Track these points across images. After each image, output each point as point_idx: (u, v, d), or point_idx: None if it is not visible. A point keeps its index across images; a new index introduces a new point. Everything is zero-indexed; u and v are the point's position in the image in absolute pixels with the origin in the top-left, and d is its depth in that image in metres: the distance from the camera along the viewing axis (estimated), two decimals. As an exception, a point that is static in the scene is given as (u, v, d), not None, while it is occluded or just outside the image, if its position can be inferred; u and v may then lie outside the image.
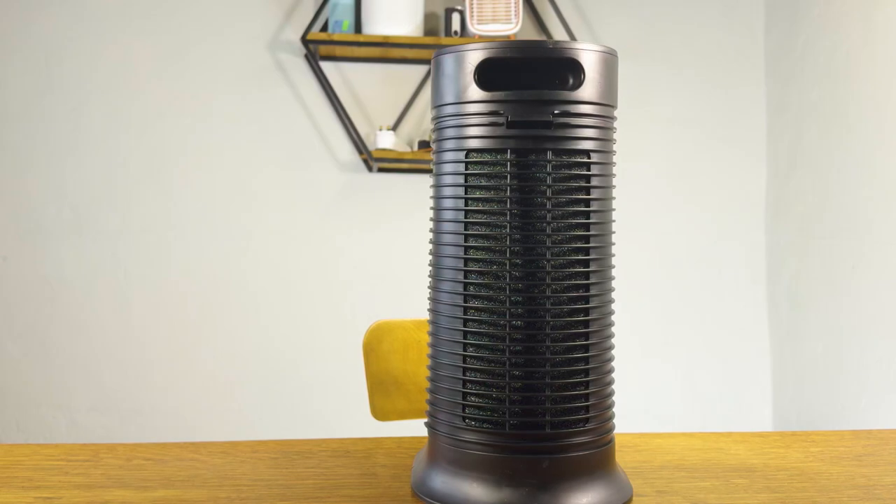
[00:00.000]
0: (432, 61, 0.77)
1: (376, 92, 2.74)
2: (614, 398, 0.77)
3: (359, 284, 2.71)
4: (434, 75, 0.76)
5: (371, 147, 2.67)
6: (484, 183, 0.72)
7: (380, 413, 1.28)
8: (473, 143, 0.72)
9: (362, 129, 2.72)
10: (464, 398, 0.73)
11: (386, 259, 2.71)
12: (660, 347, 2.83)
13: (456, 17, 2.63)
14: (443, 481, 0.73)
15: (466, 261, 0.73)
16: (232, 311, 2.68)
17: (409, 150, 2.68)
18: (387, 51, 2.66)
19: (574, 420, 0.72)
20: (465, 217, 0.72)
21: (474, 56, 0.71)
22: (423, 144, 2.64)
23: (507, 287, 0.71)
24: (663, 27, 2.84)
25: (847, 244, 2.42)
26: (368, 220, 2.72)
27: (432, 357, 0.77)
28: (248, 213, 2.68)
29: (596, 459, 0.73)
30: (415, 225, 2.68)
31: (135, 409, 2.64)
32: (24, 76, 2.63)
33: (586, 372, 0.73)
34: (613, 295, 0.77)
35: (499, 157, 0.71)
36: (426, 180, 2.73)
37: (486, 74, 0.72)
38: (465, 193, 0.73)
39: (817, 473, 0.83)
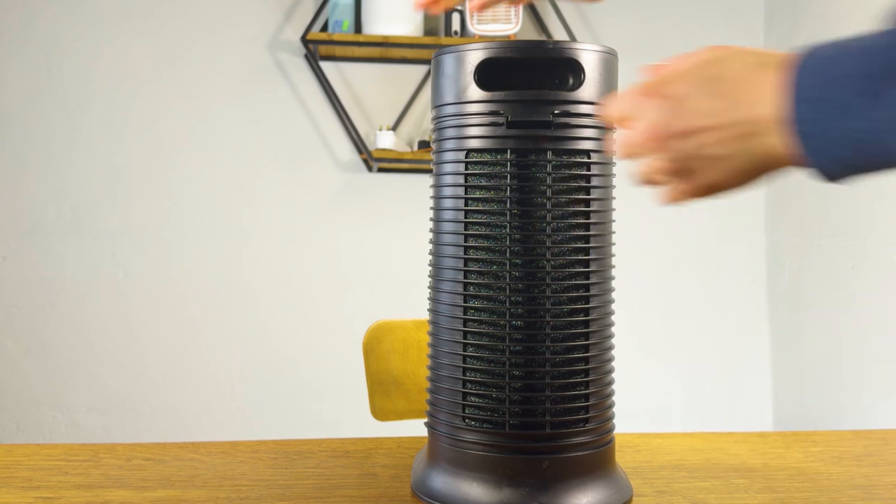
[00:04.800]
0: (432, 61, 0.77)
1: (376, 92, 2.74)
2: (614, 398, 0.77)
3: (359, 284, 2.71)
4: (434, 75, 0.76)
5: (371, 147, 2.67)
6: (484, 183, 0.72)
7: (380, 413, 1.28)
8: (473, 143, 0.72)
9: (362, 129, 2.72)
10: (464, 398, 0.73)
11: (386, 259, 2.71)
12: (660, 347, 2.83)
13: (456, 17, 2.63)
14: (443, 481, 0.73)
15: (466, 261, 0.73)
16: (232, 311, 2.67)
17: (409, 150, 2.68)
18: (387, 51, 2.66)
19: (574, 420, 0.72)
20: (465, 217, 0.72)
21: (474, 56, 0.71)
22: (423, 144, 2.64)
23: (507, 287, 0.71)
24: (663, 27, 2.84)
25: (847, 244, 2.42)
26: (368, 220, 2.71)
27: (432, 357, 0.77)
28: (247, 213, 2.68)
29: (596, 459, 0.73)
30: (415, 225, 2.68)
31: (134, 408, 2.64)
32: (24, 76, 2.63)
33: (586, 372, 0.73)
34: (613, 295, 0.77)
35: (499, 157, 0.71)
36: (426, 180, 2.72)
37: (486, 74, 0.72)
38: (465, 193, 0.73)
39: (818, 473, 0.83)
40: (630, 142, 0.55)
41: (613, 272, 0.77)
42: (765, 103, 0.48)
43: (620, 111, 0.57)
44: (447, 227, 0.74)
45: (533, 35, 2.75)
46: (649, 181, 0.57)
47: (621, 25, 2.82)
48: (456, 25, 2.63)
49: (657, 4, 2.84)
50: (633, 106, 0.56)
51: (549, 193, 0.71)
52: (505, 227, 0.71)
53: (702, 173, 0.53)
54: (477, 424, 0.72)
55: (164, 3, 2.67)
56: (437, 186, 0.76)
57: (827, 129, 0.45)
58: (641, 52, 2.82)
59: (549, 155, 0.71)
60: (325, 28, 2.65)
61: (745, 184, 0.53)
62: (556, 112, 0.70)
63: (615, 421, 0.77)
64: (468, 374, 0.73)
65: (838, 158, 0.46)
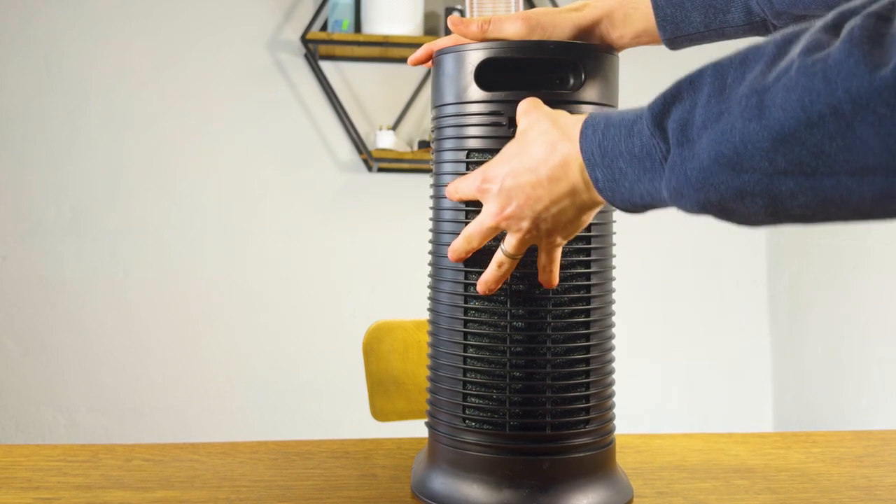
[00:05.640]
0: (432, 61, 0.77)
1: (376, 92, 2.74)
2: (615, 399, 0.77)
3: (359, 284, 2.71)
4: (434, 75, 0.76)
5: (371, 147, 2.67)
6: (484, 183, 0.72)
7: (380, 413, 1.28)
8: (473, 143, 0.72)
9: (362, 129, 2.72)
10: (464, 399, 0.73)
11: (386, 259, 2.71)
12: (660, 348, 2.83)
13: (457, 16, 2.63)
14: (443, 482, 0.73)
15: (466, 261, 0.72)
16: (232, 311, 2.67)
17: (409, 150, 2.68)
18: (386, 50, 2.66)
19: (575, 421, 0.72)
20: (466, 217, 0.72)
21: (474, 56, 0.71)
22: (423, 144, 2.64)
23: (508, 287, 0.71)
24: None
25: (848, 244, 2.41)
26: (368, 221, 2.71)
27: (432, 357, 0.77)
28: (247, 213, 2.68)
29: (596, 460, 0.73)
30: (415, 225, 2.68)
31: (134, 409, 2.64)
32: (24, 76, 2.63)
33: (587, 373, 0.73)
34: (614, 295, 0.76)
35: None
36: (426, 180, 2.72)
37: (487, 74, 0.71)
38: (465, 194, 0.73)
39: (818, 474, 0.83)
40: (484, 224, 0.67)
41: (614, 272, 0.76)
42: (571, 174, 0.62)
43: (467, 196, 0.70)
44: (447, 227, 0.74)
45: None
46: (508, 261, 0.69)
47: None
48: (456, 25, 2.63)
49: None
50: (472, 196, 0.68)
51: (549, 194, 0.70)
52: (505, 227, 0.71)
53: (550, 229, 0.66)
54: (477, 425, 0.72)
55: (164, 3, 2.67)
56: (437, 186, 0.76)
57: (619, 188, 0.59)
58: (641, 52, 2.82)
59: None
60: (324, 28, 2.65)
61: (584, 223, 0.67)
62: (556, 112, 0.70)
63: (615, 422, 0.77)
64: (468, 375, 0.73)
65: (634, 205, 0.60)
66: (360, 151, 2.68)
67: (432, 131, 0.77)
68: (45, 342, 2.62)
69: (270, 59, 2.70)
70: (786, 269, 2.75)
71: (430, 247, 0.77)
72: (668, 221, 2.83)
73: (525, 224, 0.65)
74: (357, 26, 2.63)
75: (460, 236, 0.70)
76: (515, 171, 0.64)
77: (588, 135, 0.60)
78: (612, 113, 0.61)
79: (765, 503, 0.75)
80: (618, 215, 0.78)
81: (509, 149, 0.66)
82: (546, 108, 0.67)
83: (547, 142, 0.63)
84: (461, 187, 0.70)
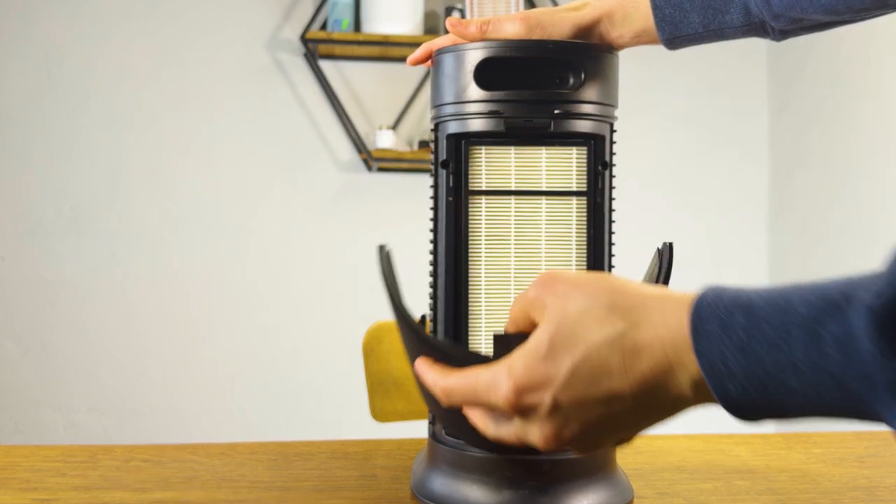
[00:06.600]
0: (432, 60, 0.76)
1: (376, 91, 2.74)
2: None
3: (358, 284, 2.71)
4: (434, 75, 0.75)
5: (371, 146, 2.66)
6: (484, 183, 0.72)
7: (379, 414, 1.27)
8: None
9: (362, 129, 2.72)
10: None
11: (386, 259, 2.71)
12: (660, 347, 2.82)
13: (456, 17, 2.63)
14: (442, 483, 0.72)
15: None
16: (231, 311, 2.67)
17: (408, 149, 2.67)
18: (386, 50, 2.65)
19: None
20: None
21: (474, 55, 0.71)
22: (423, 144, 2.64)
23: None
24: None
25: (850, 245, 2.41)
26: (368, 220, 2.71)
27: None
28: (247, 213, 2.68)
29: (597, 461, 0.73)
30: (415, 225, 2.67)
31: (134, 409, 2.64)
32: (24, 76, 2.63)
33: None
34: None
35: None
36: (426, 180, 2.72)
37: (486, 74, 0.71)
38: (465, 193, 0.72)
39: (819, 475, 0.82)
40: (525, 442, 0.49)
41: (614, 272, 0.76)
42: (674, 387, 0.44)
43: (483, 405, 0.50)
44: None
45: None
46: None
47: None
48: (456, 25, 2.62)
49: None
50: (495, 407, 0.49)
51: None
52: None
53: (629, 438, 0.51)
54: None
55: (164, 3, 2.67)
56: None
57: (765, 404, 0.42)
58: (642, 51, 2.82)
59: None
60: (324, 27, 2.65)
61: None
62: (556, 112, 0.70)
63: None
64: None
65: (776, 420, 0.44)
66: (359, 151, 2.68)
67: (432, 131, 0.77)
68: (45, 342, 2.62)
69: (270, 58, 2.70)
70: (789, 270, 2.75)
71: (430, 246, 0.77)
72: (671, 220, 2.83)
73: (591, 444, 0.48)
74: (357, 25, 2.63)
75: (486, 427, 0.51)
76: (575, 386, 0.46)
77: (712, 333, 0.42)
78: (750, 298, 0.43)
79: (766, 504, 0.75)
80: (617, 215, 0.78)
81: (554, 349, 0.46)
82: (591, 286, 0.48)
83: (622, 349, 0.45)
84: (457, 391, 0.50)
